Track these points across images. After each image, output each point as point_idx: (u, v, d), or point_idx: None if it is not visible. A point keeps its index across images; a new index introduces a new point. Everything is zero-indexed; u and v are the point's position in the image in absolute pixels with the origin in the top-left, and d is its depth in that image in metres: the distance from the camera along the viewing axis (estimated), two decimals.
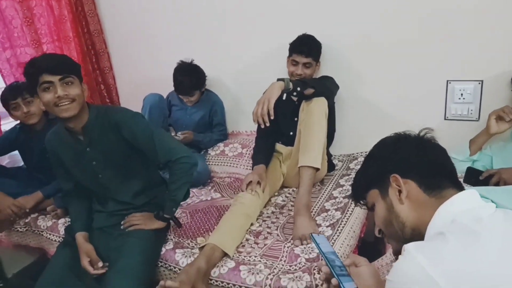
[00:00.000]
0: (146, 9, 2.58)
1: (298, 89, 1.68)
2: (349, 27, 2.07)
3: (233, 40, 2.39)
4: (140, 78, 2.76)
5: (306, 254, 1.45)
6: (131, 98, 2.78)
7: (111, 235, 1.56)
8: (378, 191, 0.91)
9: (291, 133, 2.00)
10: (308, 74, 1.93)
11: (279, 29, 2.21)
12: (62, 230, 1.81)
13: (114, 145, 1.50)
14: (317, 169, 1.72)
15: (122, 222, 1.57)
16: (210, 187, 2.16)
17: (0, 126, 2.24)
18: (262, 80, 2.17)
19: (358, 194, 0.97)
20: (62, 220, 1.86)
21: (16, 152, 2.15)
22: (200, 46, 2.47)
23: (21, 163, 2.23)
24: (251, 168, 2.16)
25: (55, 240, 1.83)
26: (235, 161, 2.27)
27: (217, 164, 2.31)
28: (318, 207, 1.78)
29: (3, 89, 2.20)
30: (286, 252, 1.48)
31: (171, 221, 1.62)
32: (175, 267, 1.52)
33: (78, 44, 2.59)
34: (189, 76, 2.28)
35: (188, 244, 1.61)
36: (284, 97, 1.69)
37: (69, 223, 1.77)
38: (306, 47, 1.91)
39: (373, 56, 2.07)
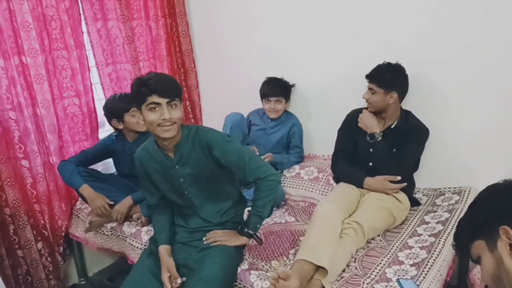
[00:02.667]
0: (234, 31, 2.69)
1: None
2: (445, 53, 1.96)
3: (318, 64, 2.39)
4: (223, 96, 2.87)
5: None
6: (213, 116, 2.89)
7: (194, 248, 1.61)
8: (485, 242, 0.83)
9: (370, 164, 1.96)
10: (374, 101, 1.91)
11: (362, 56, 2.16)
12: (144, 238, 1.91)
13: (203, 163, 1.55)
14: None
15: (204, 238, 1.62)
16: (284, 210, 2.14)
17: (98, 134, 2.44)
18: (341, 105, 2.15)
19: (462, 244, 0.90)
20: (145, 228, 1.96)
21: (110, 160, 2.34)
22: (284, 68, 2.50)
23: (113, 170, 2.41)
24: (325, 193, 2.14)
25: (137, 247, 1.93)
26: (311, 185, 2.24)
27: (292, 187, 2.29)
28: (400, 243, 1.68)
29: (102, 100, 2.43)
30: None
31: (252, 238, 1.63)
32: None
33: (170, 63, 2.77)
34: (276, 82, 2.41)
35: (263, 266, 1.61)
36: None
37: (152, 232, 1.87)
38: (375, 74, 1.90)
39: (467, 85, 1.93)
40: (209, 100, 3.00)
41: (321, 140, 2.51)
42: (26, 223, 2.17)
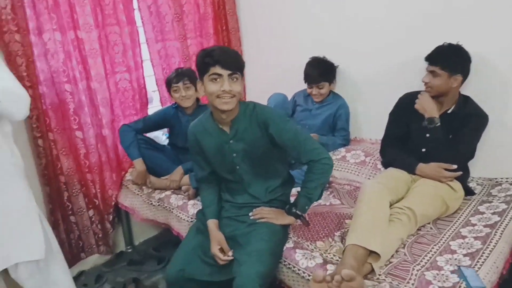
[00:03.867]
0: (282, 10, 2.64)
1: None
2: (507, 33, 1.83)
3: (368, 46, 2.30)
4: (268, 76, 2.84)
5: (440, 282, 1.32)
6: (257, 96, 2.87)
7: (241, 223, 1.62)
8: None
9: (423, 150, 1.89)
10: (435, 85, 1.79)
11: (419, 39, 2.05)
12: (191, 211, 1.96)
13: (257, 140, 1.56)
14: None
15: (250, 214, 1.63)
16: (329, 192, 2.11)
17: (147, 109, 2.50)
18: (393, 89, 2.06)
19: None
20: (191, 202, 2.01)
21: (159, 133, 2.41)
22: (332, 48, 2.43)
23: (165, 143, 2.50)
24: (372, 177, 2.09)
25: (183, 219, 1.98)
26: (357, 168, 2.19)
27: (337, 169, 2.25)
28: (452, 232, 1.62)
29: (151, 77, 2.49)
30: (415, 275, 1.37)
31: (298, 219, 1.63)
32: (294, 267, 1.52)
33: (216, 41, 2.76)
34: (319, 65, 2.34)
35: (308, 246, 1.60)
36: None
37: (198, 206, 1.92)
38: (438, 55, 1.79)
39: None
40: (253, 80, 2.97)
41: (369, 123, 2.43)
42: (79, 191, 2.28)
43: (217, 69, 1.43)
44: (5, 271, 1.69)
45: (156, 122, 2.31)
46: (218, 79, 1.44)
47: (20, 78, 1.91)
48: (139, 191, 2.30)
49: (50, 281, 1.78)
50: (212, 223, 1.62)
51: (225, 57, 1.43)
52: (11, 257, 1.62)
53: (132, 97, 2.38)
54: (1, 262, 1.60)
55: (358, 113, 2.47)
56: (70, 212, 2.28)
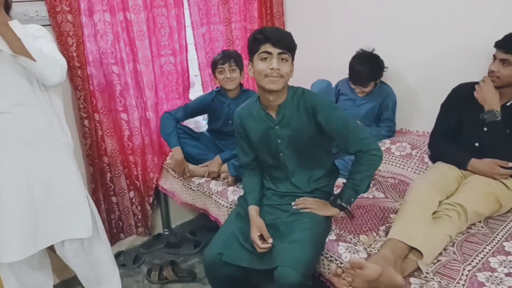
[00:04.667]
0: None
1: None
2: None
3: (419, 32, 2.19)
4: (311, 63, 2.75)
5: (493, 284, 1.25)
6: (300, 82, 2.81)
7: (283, 212, 1.60)
8: None
9: (476, 144, 1.79)
10: (505, 74, 1.66)
11: (477, 24, 1.93)
12: (230, 197, 1.95)
13: (304, 127, 1.52)
14: None
15: (293, 203, 1.60)
16: (372, 185, 2.05)
17: (189, 94, 2.50)
18: (444, 78, 1.96)
19: None
20: (231, 188, 2.01)
21: (200, 119, 2.41)
22: (381, 35, 2.33)
23: (204, 129, 2.50)
24: (418, 172, 2.01)
25: (222, 205, 1.98)
26: (402, 161, 2.11)
27: (382, 162, 2.18)
28: (506, 232, 1.53)
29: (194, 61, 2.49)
30: (466, 276, 1.31)
31: (343, 211, 1.59)
32: (336, 260, 1.48)
33: (260, 25, 2.72)
34: (367, 66, 2.20)
35: (351, 239, 1.56)
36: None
37: (238, 193, 1.91)
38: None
39: None
40: (296, 66, 2.90)
41: (416, 114, 2.33)
42: (121, 172, 2.33)
43: (267, 47, 1.42)
44: (51, 247, 1.75)
45: (196, 109, 2.31)
46: (267, 58, 1.43)
47: (70, 58, 1.96)
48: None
49: (94, 260, 1.84)
50: (253, 209, 1.60)
51: (276, 35, 1.42)
52: (59, 234, 1.67)
53: (176, 81, 2.39)
54: (49, 238, 1.66)
55: (405, 103, 2.36)
56: (112, 193, 2.33)
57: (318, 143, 1.57)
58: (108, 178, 2.29)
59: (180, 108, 2.28)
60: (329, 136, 1.52)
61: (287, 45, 1.43)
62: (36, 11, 1.88)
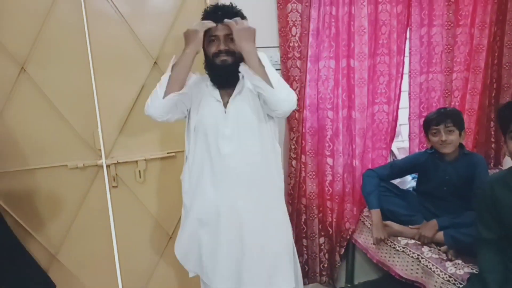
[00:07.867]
0: None
1: None
2: None
3: None
4: None
5: None
6: None
7: None
8: None
9: None
10: None
11: None
12: (450, 269, 1.67)
13: None
14: None
15: None
16: None
17: (392, 143, 2.34)
18: None
19: None
20: (450, 263, 1.72)
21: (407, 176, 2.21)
22: None
23: (408, 186, 2.28)
24: None
25: (437, 274, 1.70)
26: None
27: None
28: None
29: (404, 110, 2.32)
30: None
31: None
32: None
33: (484, 76, 2.41)
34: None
35: None
36: None
37: (458, 266, 1.64)
38: None
39: None
40: None
41: None
42: (315, 216, 2.28)
43: None
44: None
45: (405, 169, 2.13)
46: None
47: None
48: None
49: None
50: None
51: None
52: (262, 281, 1.60)
53: (385, 130, 2.26)
54: (252, 282, 1.59)
55: None
56: (304, 235, 2.29)
57: None
58: (303, 220, 2.27)
59: (385, 166, 2.13)
60: None
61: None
62: (271, 56, 2.01)
